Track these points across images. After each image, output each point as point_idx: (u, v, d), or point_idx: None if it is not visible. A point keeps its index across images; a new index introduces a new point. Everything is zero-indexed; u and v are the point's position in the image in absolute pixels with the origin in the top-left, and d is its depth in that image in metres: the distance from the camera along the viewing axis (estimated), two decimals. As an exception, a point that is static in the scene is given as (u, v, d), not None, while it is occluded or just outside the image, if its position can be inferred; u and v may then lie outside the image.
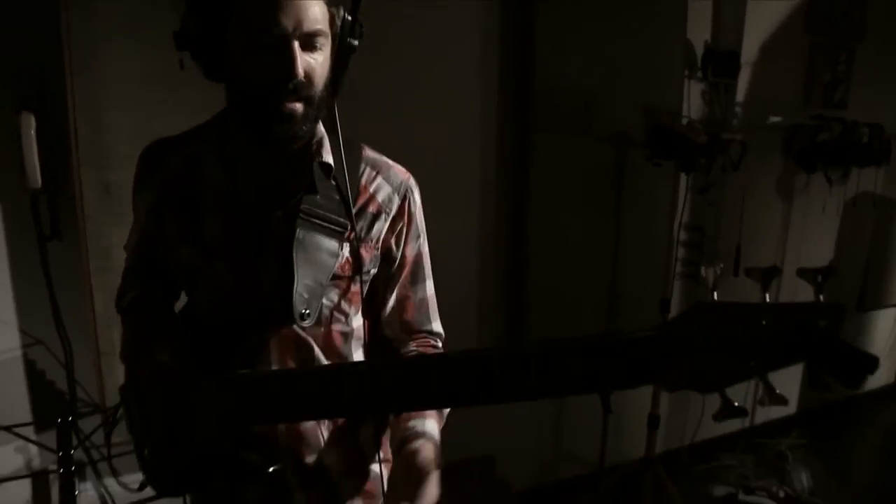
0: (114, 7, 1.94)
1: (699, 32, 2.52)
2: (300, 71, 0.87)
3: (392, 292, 1.06)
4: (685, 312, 0.72)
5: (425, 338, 1.09)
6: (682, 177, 2.41)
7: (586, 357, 0.75)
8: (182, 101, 1.96)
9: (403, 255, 1.05)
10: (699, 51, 2.53)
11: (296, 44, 0.86)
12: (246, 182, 0.97)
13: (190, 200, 0.98)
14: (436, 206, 1.10)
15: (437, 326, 1.10)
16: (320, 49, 0.89)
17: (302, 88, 0.88)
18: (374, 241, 1.01)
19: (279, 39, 0.86)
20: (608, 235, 2.44)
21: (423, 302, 1.08)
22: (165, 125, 2.01)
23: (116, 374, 1.81)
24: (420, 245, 1.07)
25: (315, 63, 0.89)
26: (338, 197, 0.97)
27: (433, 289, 1.10)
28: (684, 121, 2.44)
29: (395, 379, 0.82)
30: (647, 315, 2.36)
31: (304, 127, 0.91)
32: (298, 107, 0.89)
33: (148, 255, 1.08)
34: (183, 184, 0.99)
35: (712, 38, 2.54)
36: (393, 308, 1.06)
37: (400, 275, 1.06)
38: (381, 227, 1.01)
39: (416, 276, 1.07)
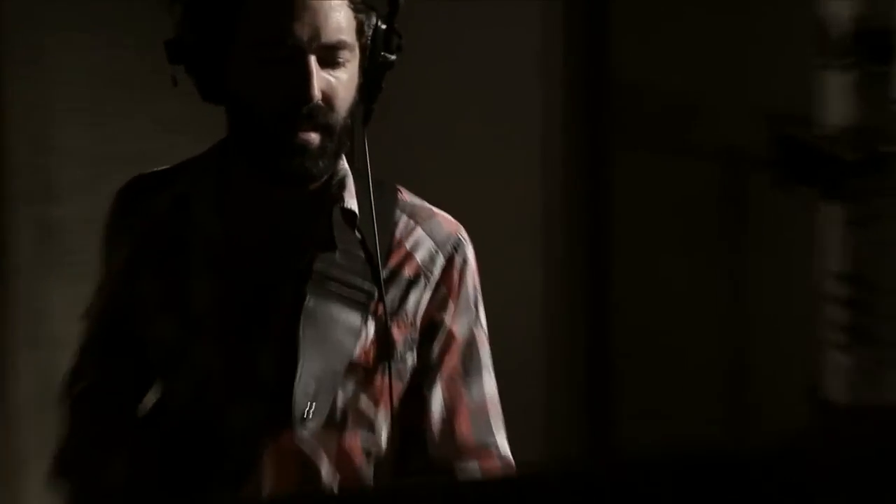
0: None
1: (838, 5, 2.47)
2: (317, 92, 0.91)
3: (434, 388, 1.04)
4: (822, 422, 0.67)
5: (490, 453, 1.05)
6: (830, 206, 2.33)
7: (681, 482, 0.69)
8: (154, 116, 2.06)
9: (450, 336, 1.04)
10: (839, 30, 2.46)
11: (312, 58, 0.91)
12: (246, 233, 1.00)
13: (174, 255, 1.01)
14: (484, 256, 1.11)
15: (501, 440, 1.07)
16: (343, 65, 0.94)
17: (319, 114, 0.92)
18: (409, 315, 1.02)
19: (292, 52, 0.90)
20: (725, 289, 2.39)
21: (482, 406, 1.06)
22: (130, 147, 2.05)
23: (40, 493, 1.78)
24: (474, 323, 1.06)
25: (336, 83, 0.93)
26: (363, 255, 0.99)
27: (495, 387, 1.08)
28: (823, 129, 2.37)
29: None
30: (787, 403, 2.25)
31: (320, 163, 0.94)
32: (314, 137, 0.93)
33: (115, 326, 1.09)
34: (167, 233, 1.02)
35: (857, 12, 2.48)
36: (440, 415, 1.04)
37: (445, 363, 1.04)
38: (420, 296, 1.02)
39: (470, 367, 1.05)
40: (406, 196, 1.07)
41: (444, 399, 1.04)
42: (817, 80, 2.41)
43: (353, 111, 0.97)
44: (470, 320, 1.06)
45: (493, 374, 1.08)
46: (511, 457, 1.08)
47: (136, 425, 1.04)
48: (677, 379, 2.35)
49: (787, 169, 2.16)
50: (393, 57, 0.98)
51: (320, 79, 0.91)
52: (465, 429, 1.04)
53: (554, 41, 2.28)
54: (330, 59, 0.93)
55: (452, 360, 1.05)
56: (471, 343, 1.06)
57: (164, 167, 1.09)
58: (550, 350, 2.35)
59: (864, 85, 2.46)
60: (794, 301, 2.32)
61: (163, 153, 2.02)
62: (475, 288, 1.07)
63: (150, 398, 1.08)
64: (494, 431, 1.06)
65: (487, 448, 1.05)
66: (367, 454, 1.02)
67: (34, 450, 1.75)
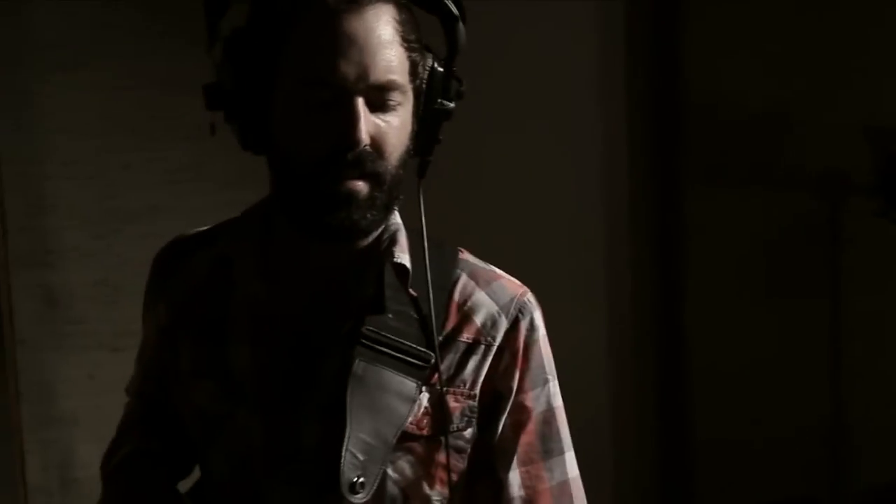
0: (63, 28, 2.11)
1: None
2: (364, 136, 0.95)
3: (511, 471, 1.10)
4: None
5: None
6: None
7: None
8: (163, 165, 2.11)
9: (523, 410, 1.10)
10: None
11: (360, 100, 0.95)
12: (290, 295, 1.07)
13: (214, 319, 1.09)
14: (543, 310, 1.15)
15: None
16: (395, 109, 0.99)
17: (367, 161, 0.97)
18: (466, 384, 1.07)
19: (337, 93, 0.95)
20: (821, 340, 2.38)
21: (565, 488, 1.11)
22: (135, 201, 2.15)
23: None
24: (549, 395, 1.12)
25: (387, 127, 0.98)
26: (417, 316, 1.05)
27: (576, 466, 1.13)
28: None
29: None
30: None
31: (368, 215, 0.99)
32: (361, 186, 0.98)
33: (154, 398, 1.19)
34: (207, 296, 1.11)
35: None
36: (519, 499, 1.09)
37: (521, 441, 1.10)
38: (479, 363, 1.08)
39: (549, 445, 1.11)
40: (467, 256, 1.13)
41: (524, 482, 1.09)
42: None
43: (406, 162, 1.02)
44: (546, 392, 1.11)
45: (573, 451, 1.13)
46: None
47: (177, 498, 1.10)
48: (761, 432, 2.36)
49: (894, 193, 2.20)
50: (452, 105, 1.03)
51: (368, 122, 0.96)
52: None
53: (615, 61, 2.34)
54: (380, 101, 0.97)
55: (529, 438, 1.10)
56: (549, 419, 1.11)
57: (202, 228, 1.18)
58: (618, 394, 2.39)
59: None
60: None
61: (173, 206, 2.17)
62: (548, 356, 1.12)
63: (188, 481, 1.17)
64: None
65: None
66: None
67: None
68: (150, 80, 2.16)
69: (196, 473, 1.18)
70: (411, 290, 1.06)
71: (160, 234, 1.23)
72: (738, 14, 2.38)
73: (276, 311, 1.07)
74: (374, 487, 1.01)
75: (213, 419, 1.08)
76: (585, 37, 2.33)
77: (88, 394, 2.00)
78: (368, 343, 1.02)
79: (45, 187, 2.01)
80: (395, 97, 0.98)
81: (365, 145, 0.96)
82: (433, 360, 1.04)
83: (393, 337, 1.03)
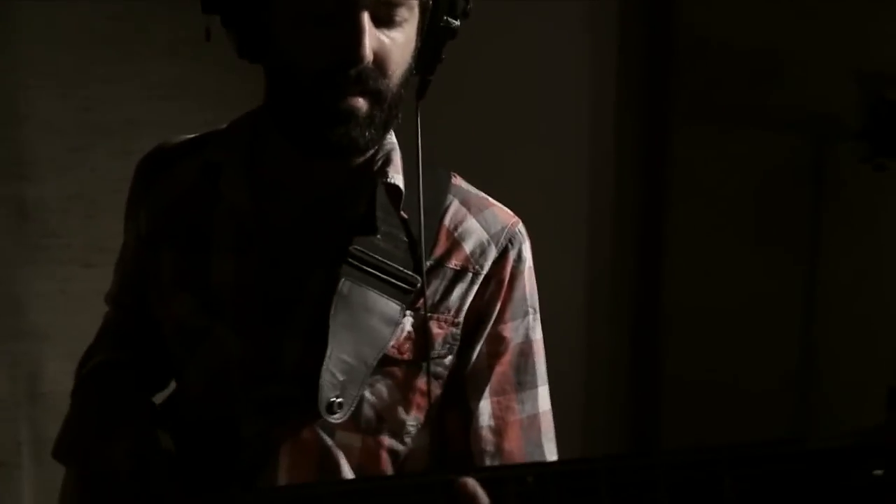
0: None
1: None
2: (368, 52, 0.94)
3: (482, 399, 1.10)
4: None
5: None
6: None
7: (742, 477, 0.76)
8: (143, 79, 2.07)
9: (501, 340, 1.11)
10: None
11: (366, 14, 0.94)
12: (279, 209, 1.07)
13: (197, 228, 1.09)
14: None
15: (551, 456, 1.14)
16: (400, 25, 0.98)
17: (369, 77, 0.96)
18: (451, 311, 1.08)
19: (342, 6, 0.94)
20: (798, 283, 2.40)
21: (535, 421, 1.12)
22: (113, 115, 2.11)
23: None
24: (529, 328, 1.12)
25: (391, 44, 0.97)
26: (406, 240, 1.05)
27: (549, 400, 1.14)
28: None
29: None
30: (865, 412, 2.29)
31: (367, 133, 0.99)
32: (362, 103, 0.97)
33: (132, 308, 1.19)
34: (191, 203, 1.10)
35: None
36: (488, 429, 1.10)
37: (495, 371, 1.11)
38: (465, 290, 1.08)
39: (524, 377, 1.12)
40: (460, 182, 1.13)
41: (494, 412, 1.10)
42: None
43: (407, 80, 1.01)
44: (525, 324, 1.12)
45: (547, 388, 1.14)
46: None
47: (146, 407, 1.11)
48: (736, 375, 2.38)
49: (881, 141, 2.16)
50: (457, 23, 1.02)
51: (373, 38, 0.95)
52: (514, 445, 1.10)
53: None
54: (385, 16, 0.96)
55: (503, 369, 1.11)
56: (525, 351, 1.12)
57: (188, 136, 1.16)
58: (594, 335, 2.42)
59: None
60: (883, 295, 2.29)
61: (152, 122, 2.14)
62: (532, 288, 1.13)
63: (162, 394, 1.17)
64: (545, 448, 1.13)
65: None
66: (393, 455, 1.08)
67: (12, 449, 1.92)
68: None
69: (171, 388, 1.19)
70: (402, 213, 1.06)
71: (138, 149, 1.21)
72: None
73: (263, 224, 1.06)
74: (351, 409, 1.02)
75: (192, 332, 1.08)
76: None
77: (59, 309, 2.00)
78: (355, 263, 1.03)
79: (20, 97, 1.97)
80: (401, 13, 0.97)
81: (368, 62, 0.95)
82: (419, 285, 1.04)
83: (381, 258, 1.04)
